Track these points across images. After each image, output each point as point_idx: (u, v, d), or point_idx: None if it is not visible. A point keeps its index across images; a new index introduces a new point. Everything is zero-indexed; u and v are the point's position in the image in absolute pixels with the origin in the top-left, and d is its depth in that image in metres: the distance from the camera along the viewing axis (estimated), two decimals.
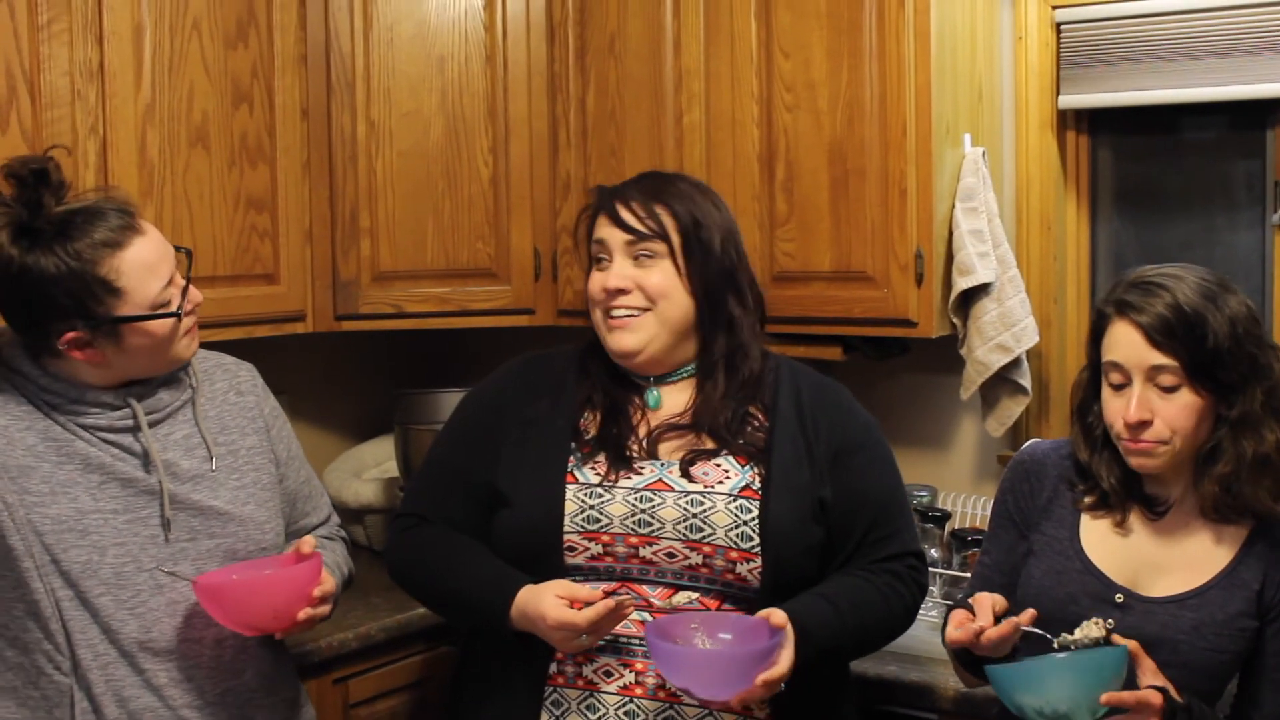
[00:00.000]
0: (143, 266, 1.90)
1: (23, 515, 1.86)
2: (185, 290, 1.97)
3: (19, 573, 1.86)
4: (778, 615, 1.86)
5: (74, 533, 1.89)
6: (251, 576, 1.97)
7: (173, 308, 1.94)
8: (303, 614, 1.95)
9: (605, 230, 2.08)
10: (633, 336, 2.06)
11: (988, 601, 1.82)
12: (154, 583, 1.93)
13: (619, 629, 1.95)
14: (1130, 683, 1.73)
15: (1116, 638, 1.75)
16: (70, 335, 1.88)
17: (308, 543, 2.03)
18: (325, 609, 2.02)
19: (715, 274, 2.07)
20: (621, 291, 2.05)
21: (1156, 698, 1.72)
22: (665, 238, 2.05)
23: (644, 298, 2.05)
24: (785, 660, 1.83)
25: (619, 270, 2.06)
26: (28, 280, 1.85)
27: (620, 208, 2.07)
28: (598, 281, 2.08)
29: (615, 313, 2.06)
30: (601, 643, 1.96)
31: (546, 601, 1.90)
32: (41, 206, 1.87)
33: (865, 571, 2.03)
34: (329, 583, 2.01)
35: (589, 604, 1.88)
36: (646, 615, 1.96)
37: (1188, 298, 1.80)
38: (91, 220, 1.88)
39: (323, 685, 2.55)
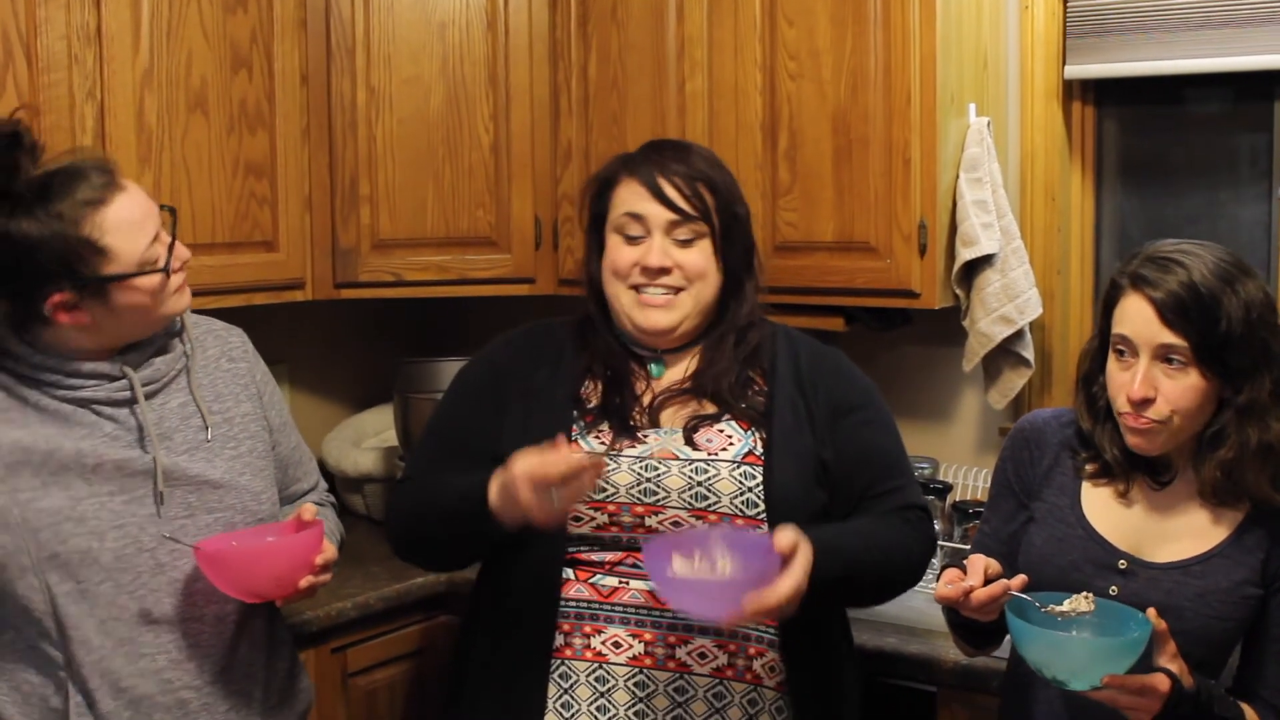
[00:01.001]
0: (127, 223, 1.87)
1: (17, 515, 1.84)
2: (171, 247, 1.93)
3: (9, 573, 1.84)
4: (784, 538, 1.78)
5: (71, 521, 1.87)
6: (255, 544, 1.96)
7: (160, 265, 1.91)
8: (304, 581, 1.95)
9: (645, 205, 2.04)
10: (668, 315, 2.04)
11: (980, 563, 1.81)
12: (154, 562, 1.92)
13: (628, 599, 1.95)
14: (1145, 659, 1.71)
15: (1151, 613, 1.72)
16: (57, 297, 1.85)
17: (309, 510, 2.02)
18: (327, 576, 2.01)
19: (742, 251, 2.08)
20: (663, 271, 2.03)
21: (1164, 684, 1.70)
22: (709, 219, 2.04)
23: (682, 277, 2.03)
24: (785, 585, 1.75)
25: (661, 249, 2.03)
26: (11, 246, 1.82)
27: (664, 184, 2.03)
28: (631, 257, 2.04)
29: (651, 291, 2.04)
30: (610, 614, 1.95)
31: (516, 462, 1.81)
32: (18, 170, 1.83)
33: (875, 515, 2.02)
34: (330, 550, 2.01)
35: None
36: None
37: (1204, 277, 1.77)
38: (71, 180, 1.85)
39: (321, 654, 2.55)
